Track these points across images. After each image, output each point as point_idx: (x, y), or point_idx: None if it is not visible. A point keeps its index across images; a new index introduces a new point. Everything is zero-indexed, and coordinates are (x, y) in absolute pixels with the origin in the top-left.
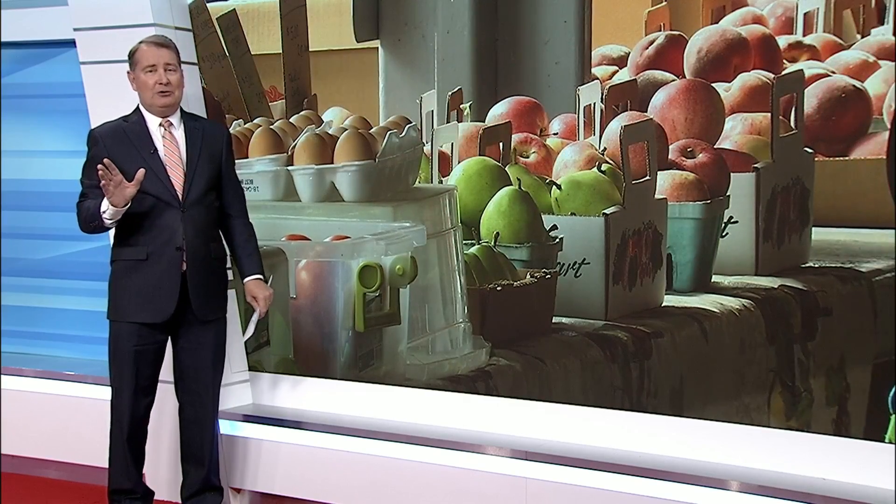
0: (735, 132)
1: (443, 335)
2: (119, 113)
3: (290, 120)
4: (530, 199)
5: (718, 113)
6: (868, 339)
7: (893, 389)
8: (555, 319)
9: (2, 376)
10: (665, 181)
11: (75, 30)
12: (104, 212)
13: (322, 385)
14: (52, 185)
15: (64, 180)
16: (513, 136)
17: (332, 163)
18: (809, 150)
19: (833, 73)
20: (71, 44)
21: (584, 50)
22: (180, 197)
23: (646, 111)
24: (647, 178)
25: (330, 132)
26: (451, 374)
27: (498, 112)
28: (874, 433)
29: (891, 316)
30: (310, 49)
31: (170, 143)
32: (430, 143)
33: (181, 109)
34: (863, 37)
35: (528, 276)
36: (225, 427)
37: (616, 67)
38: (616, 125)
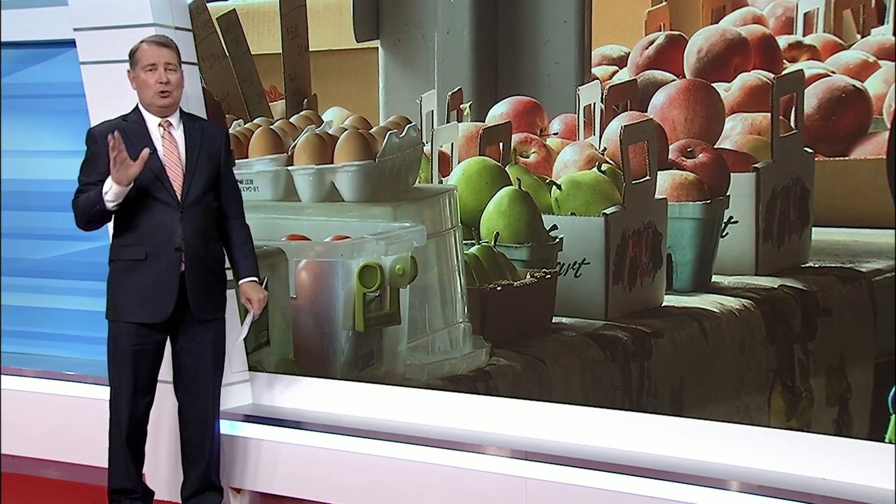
0: (735, 132)
1: (443, 335)
2: (119, 113)
3: (290, 120)
4: (530, 199)
5: (718, 113)
6: (868, 339)
7: (893, 389)
8: (555, 319)
9: (2, 376)
10: (665, 181)
11: (75, 30)
12: (106, 193)
13: (322, 385)
14: (53, 185)
15: (64, 180)
16: (513, 136)
17: (332, 163)
18: (809, 150)
19: (833, 73)
20: (71, 44)
21: (584, 50)
22: (179, 197)
23: (646, 111)
24: (647, 178)
25: (330, 132)
26: (451, 374)
27: (498, 112)
28: (874, 433)
29: (891, 316)
30: (310, 49)
31: (169, 143)
32: (430, 143)
33: (180, 109)
34: (863, 37)
35: (528, 276)
36: (225, 427)
37: (616, 67)
38: (616, 125)
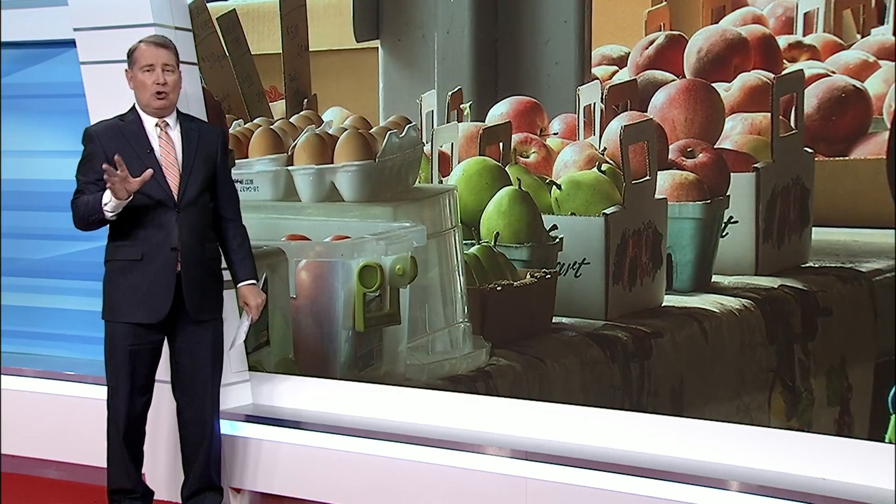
0: (735, 132)
1: (443, 335)
2: (119, 112)
3: (290, 120)
4: (530, 199)
5: (718, 113)
6: (868, 339)
7: (893, 389)
8: (555, 319)
9: (2, 376)
10: (665, 181)
11: (75, 30)
12: (106, 204)
13: (322, 385)
14: (53, 185)
15: (64, 180)
16: (513, 136)
17: (332, 163)
18: (809, 150)
19: (833, 73)
20: (71, 44)
21: (584, 50)
22: (176, 197)
23: (646, 111)
24: (647, 178)
25: (330, 132)
26: (451, 374)
27: (498, 112)
28: (874, 433)
29: (891, 316)
30: (310, 49)
31: (166, 143)
32: (430, 143)
33: (177, 110)
34: (863, 37)
35: (528, 276)
36: (225, 427)
37: (616, 67)
38: (616, 125)
